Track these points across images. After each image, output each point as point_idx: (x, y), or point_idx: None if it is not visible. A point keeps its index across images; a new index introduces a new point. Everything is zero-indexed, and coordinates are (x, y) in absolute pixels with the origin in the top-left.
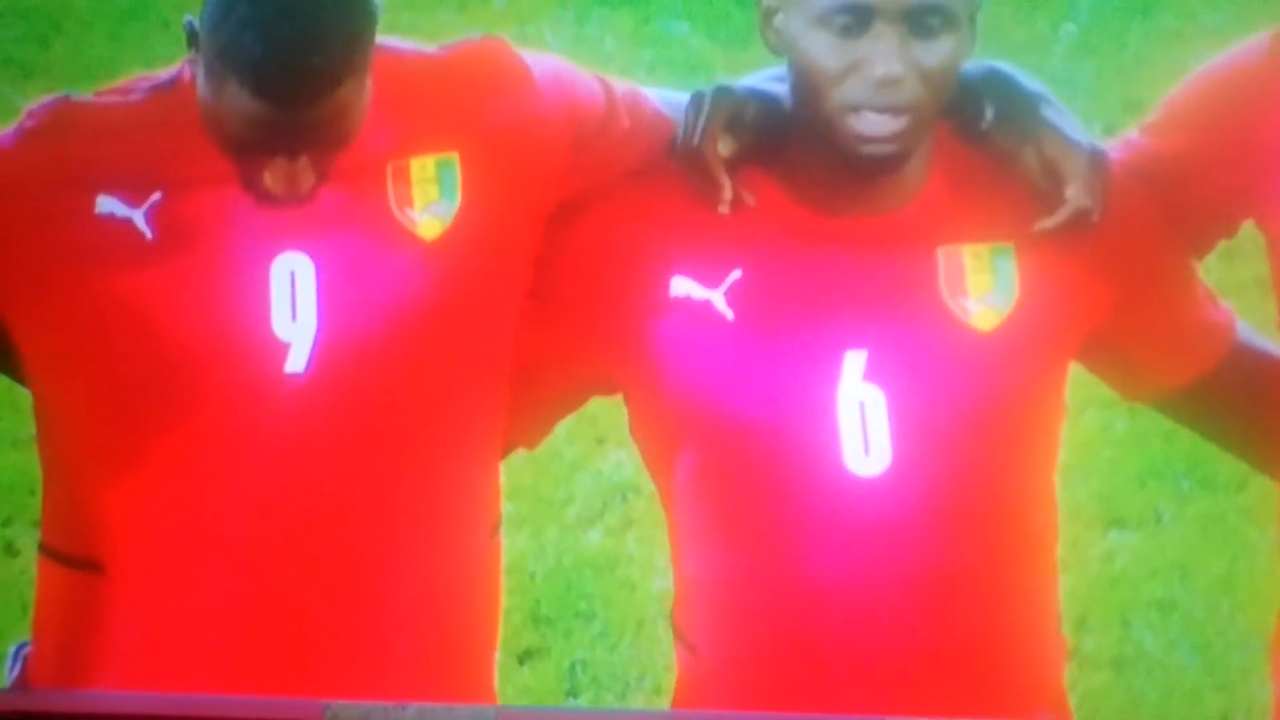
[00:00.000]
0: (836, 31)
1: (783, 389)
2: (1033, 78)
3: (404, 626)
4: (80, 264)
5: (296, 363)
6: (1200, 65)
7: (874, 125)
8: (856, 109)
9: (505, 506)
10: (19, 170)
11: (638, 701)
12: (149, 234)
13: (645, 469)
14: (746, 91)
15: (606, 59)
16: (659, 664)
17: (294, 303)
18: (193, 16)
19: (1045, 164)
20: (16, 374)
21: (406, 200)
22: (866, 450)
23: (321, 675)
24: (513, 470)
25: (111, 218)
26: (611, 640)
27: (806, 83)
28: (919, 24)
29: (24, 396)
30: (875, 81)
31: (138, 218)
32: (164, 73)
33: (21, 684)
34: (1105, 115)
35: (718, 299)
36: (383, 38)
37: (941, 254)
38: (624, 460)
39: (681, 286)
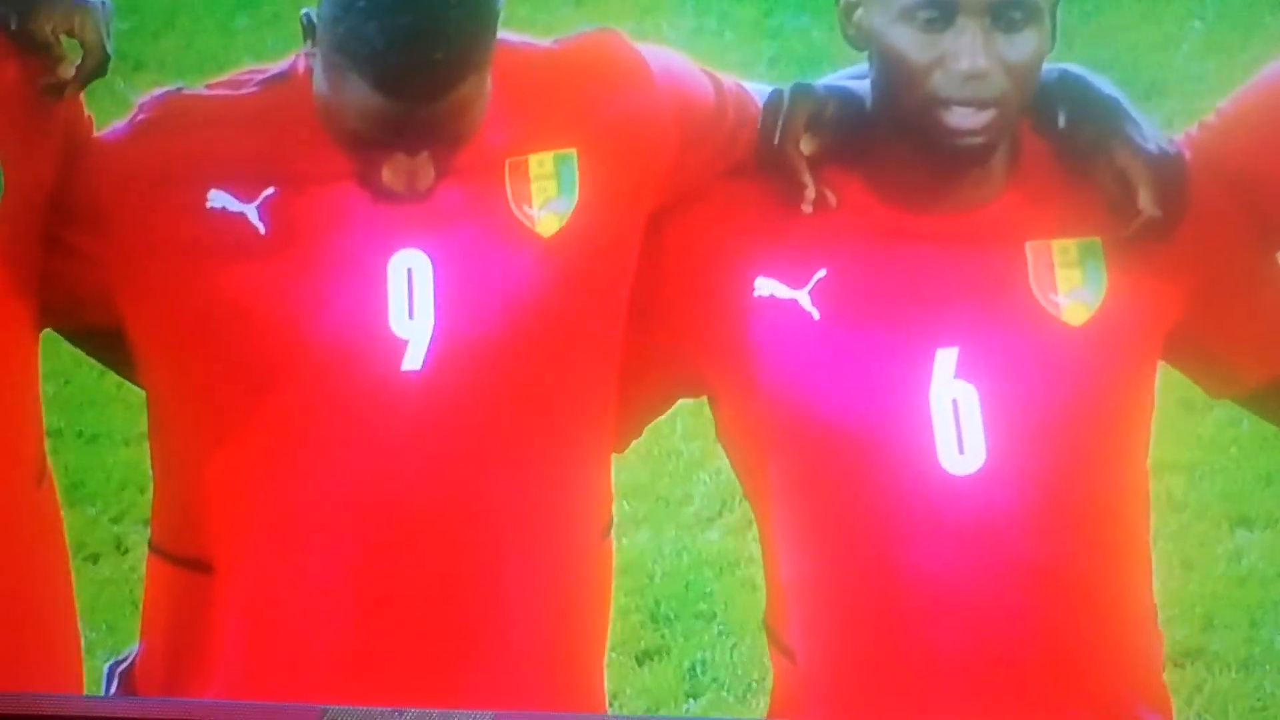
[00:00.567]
0: (920, 26)
1: (874, 388)
2: (1108, 80)
3: (516, 628)
4: (192, 258)
5: (414, 360)
6: None
7: (961, 119)
8: (943, 103)
9: (623, 506)
10: (132, 162)
11: (758, 703)
12: (262, 229)
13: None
14: (825, 89)
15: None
16: None
17: (411, 300)
18: (310, 9)
19: (1116, 172)
20: (130, 371)
21: (525, 197)
22: (961, 448)
23: (433, 678)
24: (631, 469)
25: (224, 212)
26: (732, 640)
27: (890, 78)
28: (1002, 17)
29: (135, 394)
30: (961, 75)
31: (251, 212)
32: (276, 65)
33: (127, 689)
34: None
35: (803, 298)
36: (499, 32)
37: (1030, 249)
38: None
39: (766, 287)
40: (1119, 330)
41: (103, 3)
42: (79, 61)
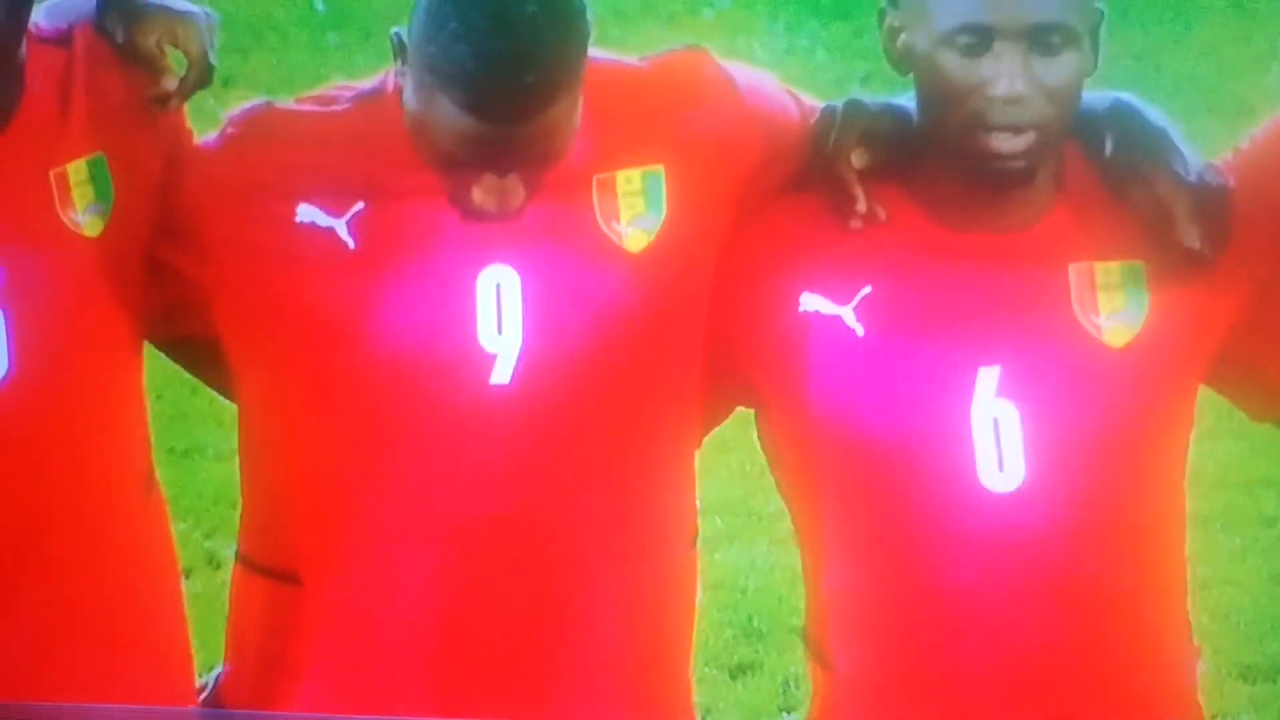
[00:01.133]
0: (960, 51)
1: (916, 404)
2: (1159, 111)
3: (604, 640)
4: (282, 270)
5: (502, 375)
6: None
7: (1000, 143)
8: (983, 127)
9: (715, 522)
10: (223, 174)
11: None
12: (351, 244)
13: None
14: (879, 105)
15: (818, 71)
16: None
17: (499, 315)
18: (401, 28)
19: (1156, 202)
20: (224, 384)
21: (613, 213)
22: (1001, 466)
23: (521, 690)
24: (723, 485)
25: (313, 226)
26: None
27: (933, 101)
28: (1040, 42)
29: (227, 410)
30: (999, 100)
31: (340, 227)
32: (367, 82)
33: (214, 701)
34: None
35: (848, 315)
36: (589, 50)
37: (1073, 270)
38: None
39: (811, 303)
40: (1160, 353)
41: (206, 15)
42: (183, 74)
